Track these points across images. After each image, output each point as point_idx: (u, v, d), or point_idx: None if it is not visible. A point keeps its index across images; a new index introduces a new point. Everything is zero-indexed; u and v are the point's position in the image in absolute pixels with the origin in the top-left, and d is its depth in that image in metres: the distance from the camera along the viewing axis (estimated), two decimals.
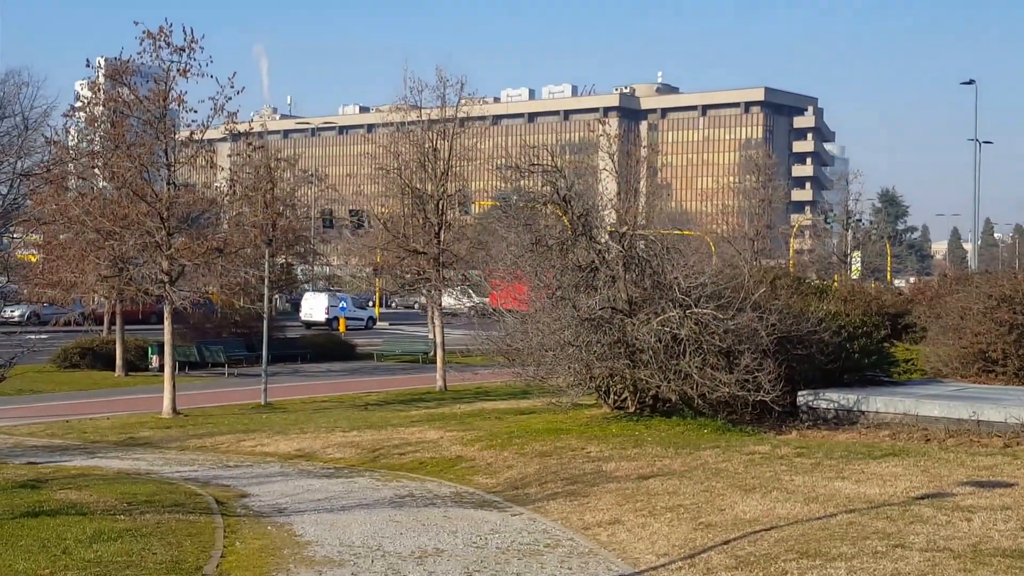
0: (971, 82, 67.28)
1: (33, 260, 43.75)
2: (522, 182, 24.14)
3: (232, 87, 26.65)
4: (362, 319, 64.83)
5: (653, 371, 19.25)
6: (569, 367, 19.77)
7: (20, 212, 40.68)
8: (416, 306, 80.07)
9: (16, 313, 56.11)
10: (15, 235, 50.73)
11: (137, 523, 11.92)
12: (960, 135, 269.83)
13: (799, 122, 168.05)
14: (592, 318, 19.60)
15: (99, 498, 13.54)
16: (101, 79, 28.40)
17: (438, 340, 32.71)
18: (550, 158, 22.62)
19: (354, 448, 19.93)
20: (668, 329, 19.08)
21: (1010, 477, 13.58)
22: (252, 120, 31.11)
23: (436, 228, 31.65)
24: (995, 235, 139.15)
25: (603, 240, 21.53)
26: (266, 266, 30.64)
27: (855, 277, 58.29)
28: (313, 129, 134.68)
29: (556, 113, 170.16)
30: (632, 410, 20.45)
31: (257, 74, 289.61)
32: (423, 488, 15.46)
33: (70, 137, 33.39)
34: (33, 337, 32.61)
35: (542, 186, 22.60)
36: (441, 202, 31.73)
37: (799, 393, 20.19)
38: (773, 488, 13.26)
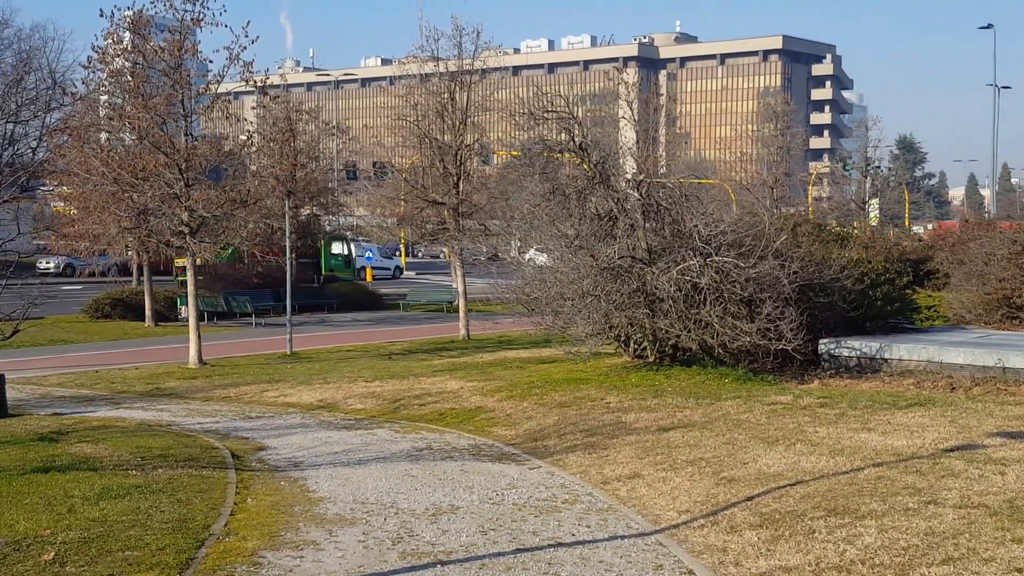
0: (989, 26, 66.43)
1: (63, 212, 43.95)
2: (538, 130, 23.92)
3: (247, 36, 26.44)
4: (389, 268, 65.03)
5: (673, 320, 19.13)
6: (588, 317, 19.63)
7: (48, 165, 40.74)
8: (441, 256, 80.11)
9: (51, 265, 56.54)
10: (46, 187, 50.92)
11: (148, 479, 11.85)
12: (978, 80, 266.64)
13: (817, 70, 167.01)
14: (611, 267, 19.45)
15: (113, 452, 13.51)
16: (117, 29, 28.13)
17: (460, 289, 32.73)
18: (565, 105, 22.33)
19: (375, 399, 19.92)
20: (688, 278, 18.93)
21: None
22: (266, 72, 30.44)
23: (455, 178, 31.49)
24: (1012, 180, 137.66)
25: (621, 188, 21.30)
26: (286, 216, 30.55)
27: (873, 224, 57.80)
28: (336, 82, 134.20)
29: (575, 63, 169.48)
30: (652, 360, 20.35)
31: (280, 27, 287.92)
32: (441, 440, 15.42)
33: (88, 89, 33.20)
34: (37, 290, 32.67)
35: (557, 133, 22.37)
36: (459, 152, 31.53)
37: (821, 341, 20.05)
38: (797, 440, 13.12)
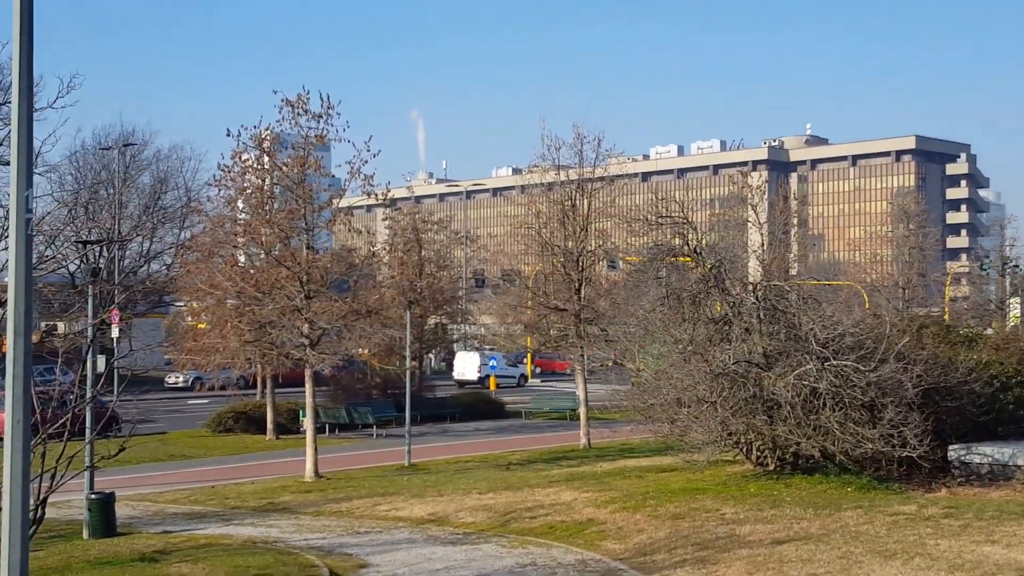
0: None
1: (191, 327, 45.16)
2: (653, 235, 23.81)
3: (368, 150, 27.00)
4: (513, 376, 64.97)
5: (792, 427, 18.52)
6: (704, 424, 19.17)
7: (179, 281, 42.03)
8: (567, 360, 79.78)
9: (179, 379, 58.00)
10: (178, 303, 52.71)
11: None
12: None
13: (952, 169, 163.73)
14: (726, 372, 19.01)
15: (210, 572, 13.47)
16: (244, 148, 29.06)
17: (581, 397, 32.40)
18: (680, 209, 22.18)
19: (487, 512, 19.65)
20: (806, 382, 18.36)
21: None
22: (388, 185, 31.05)
23: (576, 284, 31.43)
24: None
25: (736, 292, 20.92)
26: (407, 326, 30.77)
27: (1014, 323, 55.52)
28: (467, 192, 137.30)
29: (705, 168, 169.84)
30: (772, 468, 19.70)
31: (414, 141, 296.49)
32: (547, 556, 15.04)
33: (214, 206, 34.37)
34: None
35: (671, 238, 22.20)
36: (581, 258, 31.53)
37: (950, 447, 19.16)
38: (916, 554, 12.43)
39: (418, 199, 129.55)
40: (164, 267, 60.13)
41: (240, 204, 30.77)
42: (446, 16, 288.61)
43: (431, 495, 22.03)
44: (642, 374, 23.02)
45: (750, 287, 21.10)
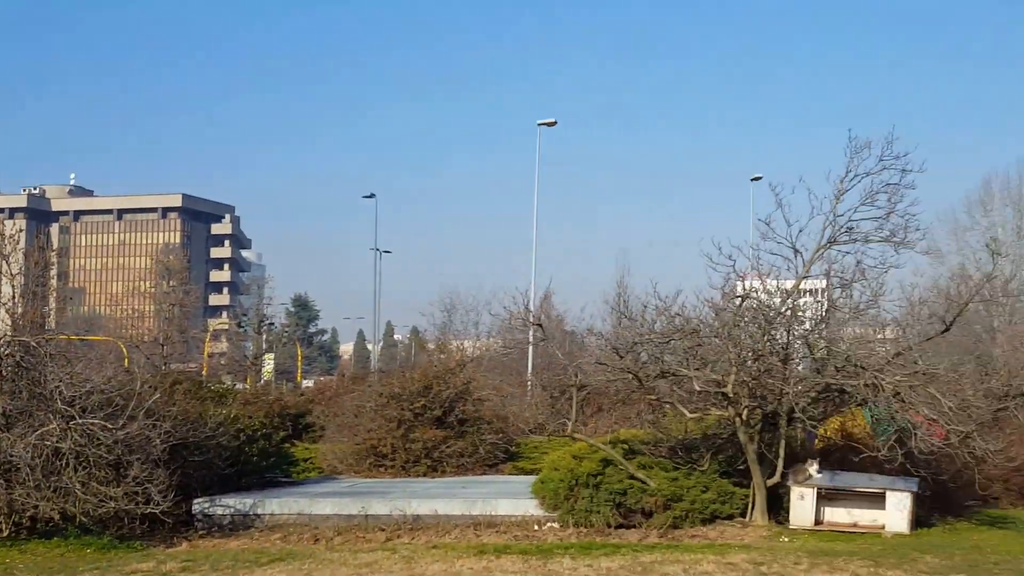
0: (372, 196, 71.91)
1: None
2: None
3: None
4: None
5: (30, 490, 17.69)
6: None
7: None
8: None
9: None
10: None
11: None
12: (364, 244, 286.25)
13: (217, 229, 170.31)
14: None
15: None
16: None
17: None
18: None
19: None
20: (48, 443, 17.70)
21: (387, 572, 14.01)
22: None
23: None
24: (396, 336, 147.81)
25: None
26: None
27: (267, 378, 58.94)
28: None
29: None
30: (6, 534, 18.59)
31: None
32: None
33: None
34: None
35: None
36: None
37: (195, 501, 19.60)
38: None
39: None
40: None
41: None
42: None
43: None
44: None
45: None
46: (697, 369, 17.83)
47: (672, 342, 17.77)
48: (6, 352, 19.42)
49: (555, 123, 45.96)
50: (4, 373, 19.00)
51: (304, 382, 73.59)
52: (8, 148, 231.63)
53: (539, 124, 45.87)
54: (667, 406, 20.06)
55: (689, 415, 18.79)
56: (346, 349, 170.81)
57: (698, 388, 17.77)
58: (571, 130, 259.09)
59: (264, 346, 66.76)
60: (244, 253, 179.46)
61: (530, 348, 35.80)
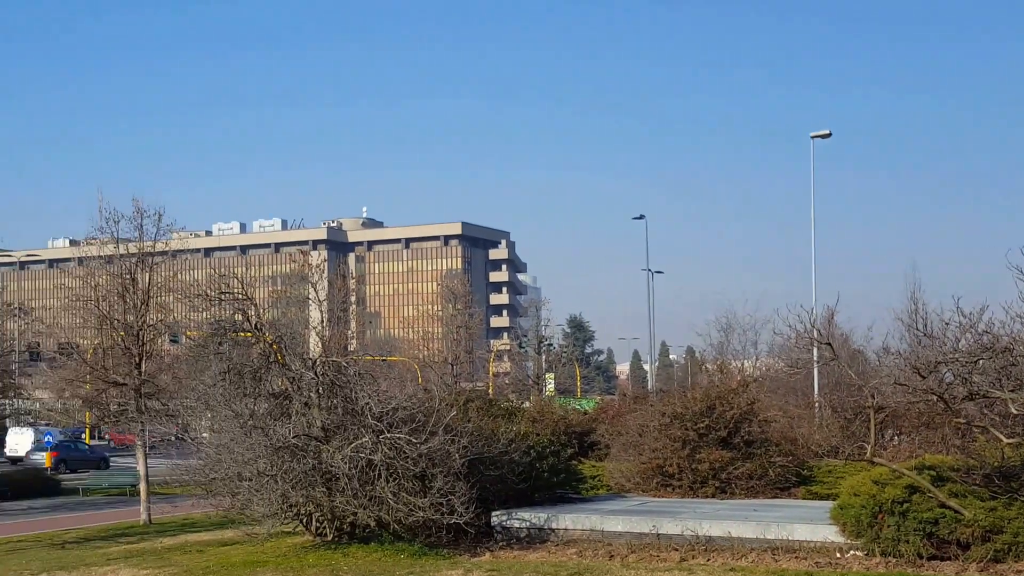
0: (641, 217, 71.95)
1: None
2: (214, 311, 23.79)
3: None
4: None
5: (348, 498, 19.15)
6: (265, 496, 19.35)
7: None
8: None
9: None
10: None
11: None
12: (636, 264, 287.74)
13: (494, 254, 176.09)
14: (286, 446, 19.35)
15: None
16: None
17: (142, 472, 31.25)
18: (240, 286, 22.40)
19: None
20: (362, 454, 19.10)
21: None
22: None
23: (137, 359, 30.50)
24: (671, 356, 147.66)
25: (296, 367, 21.38)
26: None
27: (548, 396, 60.37)
28: (20, 263, 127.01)
29: (267, 246, 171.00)
30: (331, 538, 20.18)
31: None
32: None
33: None
34: None
35: (232, 314, 22.33)
36: (142, 332, 30.67)
37: (493, 513, 20.59)
38: None
39: None
40: None
41: None
42: None
43: None
44: (204, 448, 22.78)
45: (309, 363, 21.61)
46: (1012, 391, 16.76)
47: (981, 362, 16.85)
48: (320, 372, 21.10)
49: (829, 135, 44.87)
50: (320, 391, 20.64)
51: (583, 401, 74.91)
52: (310, 185, 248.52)
53: (812, 136, 44.90)
54: (978, 430, 19.14)
55: (1007, 440, 17.61)
56: (622, 369, 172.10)
57: (1015, 412, 16.76)
58: (844, 140, 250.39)
59: (544, 366, 68.36)
60: (520, 276, 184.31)
61: (815, 368, 35.01)
